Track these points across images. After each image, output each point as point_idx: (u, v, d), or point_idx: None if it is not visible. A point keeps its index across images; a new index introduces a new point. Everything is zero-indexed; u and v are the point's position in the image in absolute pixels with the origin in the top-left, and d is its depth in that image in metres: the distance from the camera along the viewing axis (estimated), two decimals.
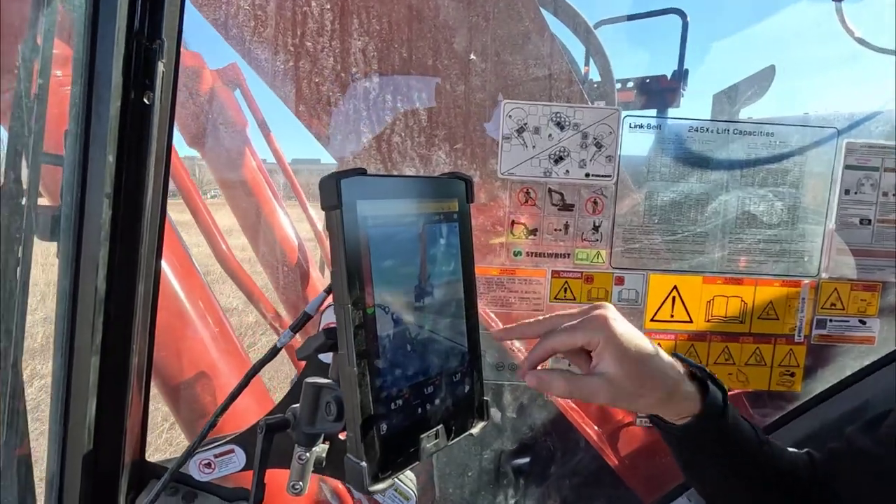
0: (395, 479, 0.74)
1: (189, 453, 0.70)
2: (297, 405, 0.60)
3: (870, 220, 0.90)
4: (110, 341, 0.76)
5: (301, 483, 0.61)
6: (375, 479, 0.50)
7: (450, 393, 0.55)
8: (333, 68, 0.82)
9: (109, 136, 0.71)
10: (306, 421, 0.58)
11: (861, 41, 0.97)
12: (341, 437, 0.66)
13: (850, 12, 0.95)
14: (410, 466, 0.56)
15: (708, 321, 0.92)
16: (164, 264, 1.02)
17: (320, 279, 1.97)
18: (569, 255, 0.89)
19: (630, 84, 2.87)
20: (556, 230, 0.88)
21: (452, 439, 0.55)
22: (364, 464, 0.46)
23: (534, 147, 0.85)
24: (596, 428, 1.17)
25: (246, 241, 1.93)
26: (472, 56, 0.83)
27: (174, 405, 1.03)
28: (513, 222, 0.87)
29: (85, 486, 0.77)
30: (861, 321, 0.92)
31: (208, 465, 0.84)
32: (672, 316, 0.92)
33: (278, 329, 1.56)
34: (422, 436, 0.51)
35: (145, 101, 0.75)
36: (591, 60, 1.87)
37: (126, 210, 0.75)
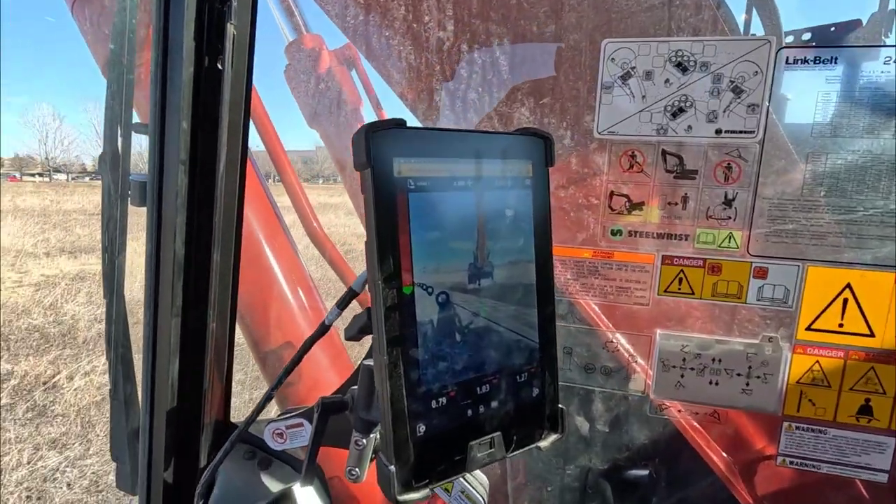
0: (462, 482, 0.66)
1: (249, 421, 0.71)
2: (357, 387, 0.57)
3: None
4: (189, 305, 0.79)
5: (357, 469, 0.57)
6: (407, 487, 0.43)
7: (512, 395, 0.47)
8: (405, 19, 0.73)
9: (183, 102, 0.72)
10: (363, 406, 0.54)
11: None
12: None
13: None
14: (455, 477, 0.48)
15: None
16: (259, 236, 1.06)
17: None
18: (687, 236, 0.69)
19: (807, 36, 2.32)
20: (670, 204, 0.68)
21: (512, 451, 0.46)
22: (393, 468, 0.40)
23: (644, 98, 0.67)
24: (725, 455, 0.94)
25: (358, 222, 1.98)
26: None
27: (265, 372, 1.07)
28: (612, 193, 0.70)
29: (169, 439, 0.81)
30: None
31: (280, 434, 0.83)
32: (841, 325, 0.66)
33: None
34: (472, 443, 0.43)
35: (218, 66, 0.74)
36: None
37: (201, 177, 0.76)
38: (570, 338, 0.75)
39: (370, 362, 0.53)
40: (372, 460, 0.58)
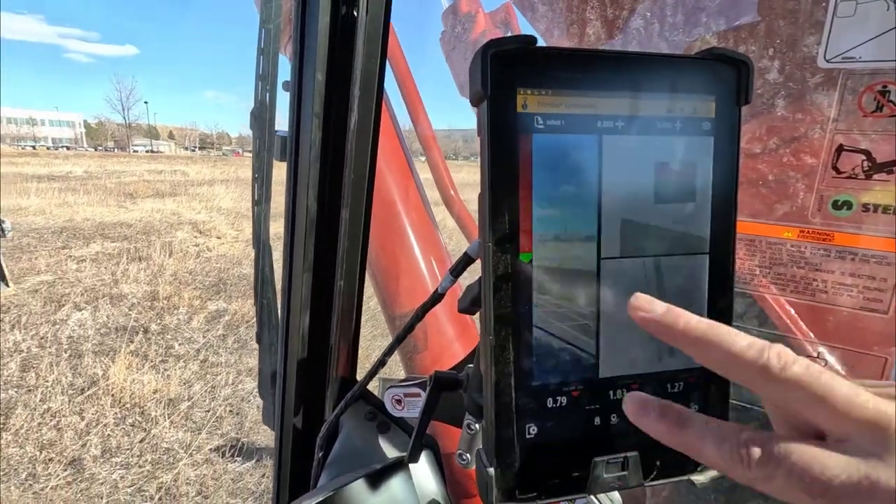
0: (591, 498, 0.57)
1: (365, 381, 0.73)
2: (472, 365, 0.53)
3: None
4: (319, 261, 0.80)
5: (469, 455, 0.54)
6: (510, 496, 0.34)
7: None
8: None
9: (319, 53, 0.71)
10: (476, 387, 0.51)
11: None
12: None
13: None
14: (573, 498, 0.39)
15: None
16: (396, 198, 1.05)
17: None
18: None
19: None
20: None
21: (654, 479, 0.36)
22: (492, 470, 0.33)
23: None
24: None
25: None
26: None
27: (393, 334, 1.06)
28: (841, 148, 0.48)
29: (299, 387, 0.85)
30: None
31: (399, 401, 0.83)
32: None
33: None
34: (596, 459, 0.35)
35: (355, 13, 0.71)
36: None
37: (335, 132, 0.75)
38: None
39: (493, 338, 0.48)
40: None
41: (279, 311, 0.83)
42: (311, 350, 0.84)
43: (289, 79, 0.81)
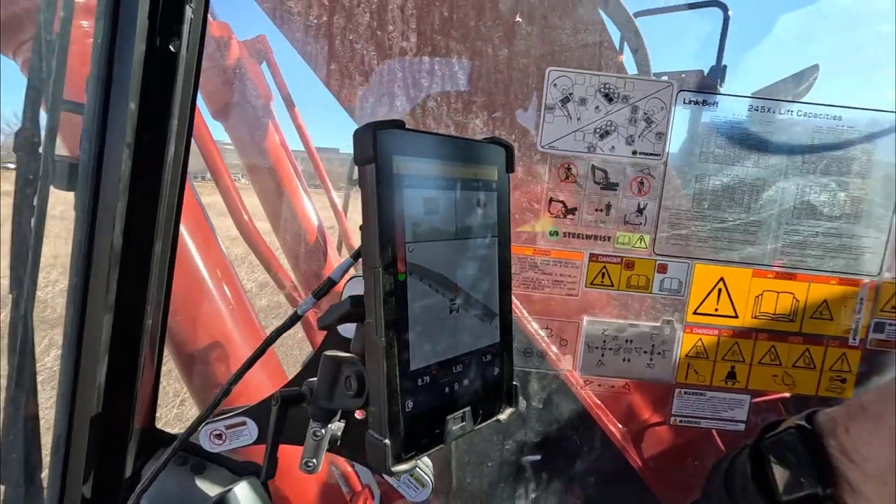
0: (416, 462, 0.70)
1: (201, 420, 0.68)
2: (314, 379, 0.57)
3: None
4: (124, 300, 0.73)
5: (314, 460, 0.58)
6: (398, 459, 0.46)
7: (479, 374, 0.52)
8: (369, 25, 0.77)
9: (132, 81, 0.68)
10: (324, 395, 0.55)
11: None
12: (358, 415, 0.64)
13: None
14: (434, 450, 0.52)
15: (755, 318, 0.86)
16: (182, 230, 1.00)
17: (338, 259, 1.93)
18: (609, 238, 0.82)
19: (665, 78, 2.77)
20: (597, 210, 0.82)
21: (479, 424, 0.51)
22: (388, 441, 0.43)
23: (578, 119, 0.79)
24: (620, 427, 1.11)
25: (265, 217, 1.90)
26: (518, 18, 0.78)
27: (187, 374, 1.00)
28: (551, 199, 0.81)
29: (92, 449, 0.74)
30: None
31: (219, 436, 0.80)
32: (716, 310, 0.85)
33: (297, 300, 1.53)
34: (448, 417, 0.48)
35: (171, 48, 0.71)
36: (628, 49, 1.79)
37: (147, 162, 0.72)
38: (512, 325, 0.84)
39: (334, 353, 0.54)
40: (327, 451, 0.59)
41: (62, 362, 0.71)
42: (108, 402, 0.75)
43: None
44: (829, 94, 0.82)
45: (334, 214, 1.96)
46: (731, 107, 0.80)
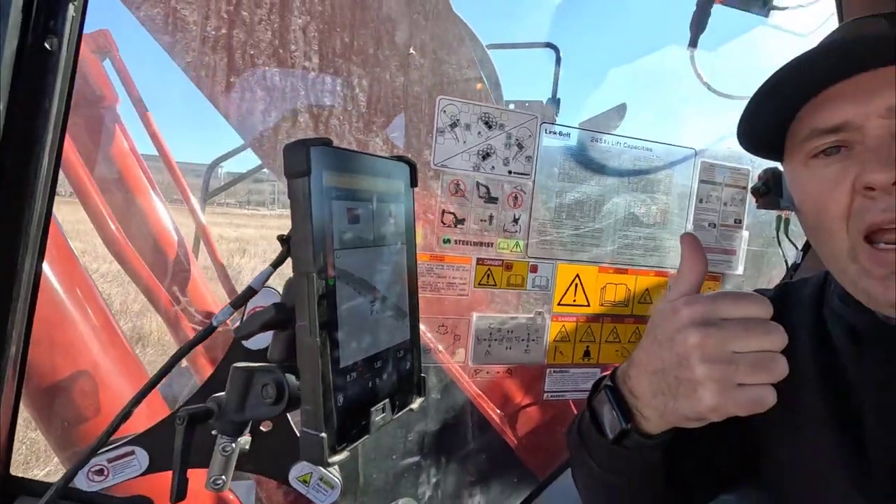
0: (320, 469, 0.73)
1: (87, 458, 0.61)
2: (220, 394, 0.57)
3: (714, 224, 1.14)
4: None
5: (224, 477, 0.58)
6: (333, 451, 0.50)
7: (395, 368, 0.57)
8: (271, 42, 0.80)
9: (1, 81, 0.62)
10: (234, 408, 0.55)
11: (707, 86, 1.23)
12: (263, 428, 0.66)
13: (701, 60, 1.20)
14: (361, 440, 0.57)
15: (601, 305, 1.07)
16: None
17: (203, 278, 1.80)
18: (492, 244, 0.96)
19: (511, 105, 3.15)
20: (481, 221, 0.95)
21: (396, 413, 0.56)
22: (324, 435, 0.46)
23: (464, 142, 0.92)
24: (499, 412, 1.27)
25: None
26: (412, 51, 0.88)
27: (42, 408, 0.87)
28: (443, 211, 0.92)
29: None
30: None
31: (100, 471, 0.75)
32: (574, 300, 1.05)
33: (178, 319, 1.39)
34: (372, 409, 0.52)
35: (47, 45, 0.66)
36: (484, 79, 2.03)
37: (15, 169, 0.65)
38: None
39: (244, 365, 0.56)
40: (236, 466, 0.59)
41: None
42: None
43: None
44: (643, 129, 1.09)
45: (197, 229, 1.82)
46: (580, 137, 1.01)
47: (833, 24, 1.01)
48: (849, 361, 0.58)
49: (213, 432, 0.58)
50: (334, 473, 0.79)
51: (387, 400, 0.54)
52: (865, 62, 0.48)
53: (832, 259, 0.54)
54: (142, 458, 0.72)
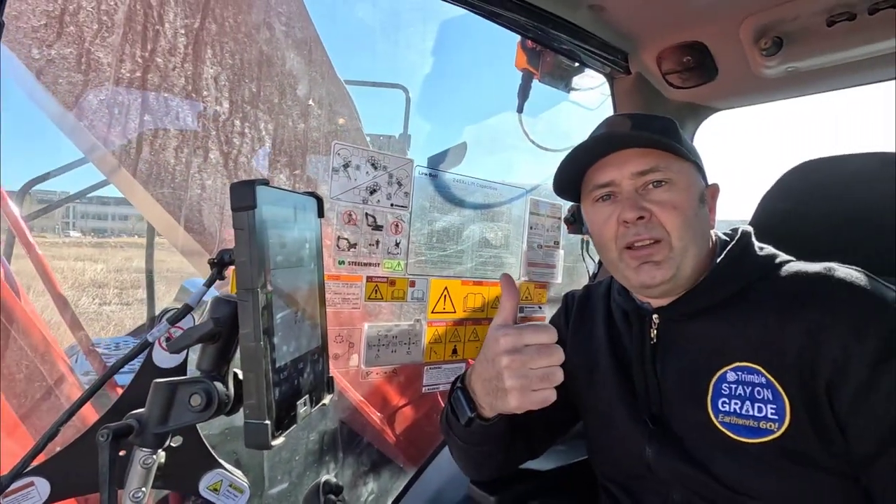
0: (228, 476, 0.81)
1: (8, 482, 0.63)
2: (139, 410, 0.60)
3: (541, 245, 1.50)
4: None
5: (144, 489, 0.59)
6: (273, 436, 0.61)
7: (312, 369, 0.66)
8: (184, 87, 0.89)
9: None
10: (157, 421, 0.59)
11: (533, 141, 1.61)
12: (173, 444, 0.70)
13: (527, 121, 1.58)
14: (291, 428, 0.69)
15: (465, 311, 1.34)
16: None
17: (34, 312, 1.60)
18: (379, 264, 1.15)
19: (368, 139, 3.37)
20: (370, 245, 1.13)
21: (314, 406, 0.69)
22: (268, 422, 0.54)
23: (355, 180, 1.10)
24: (379, 414, 1.44)
25: None
26: (311, 102, 1.04)
27: None
28: (338, 237, 1.09)
29: None
30: (539, 307, 1.51)
31: None
32: (444, 309, 1.29)
33: None
34: (297, 402, 0.61)
35: None
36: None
37: None
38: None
39: (166, 380, 0.62)
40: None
41: None
42: None
43: None
44: (489, 172, 1.40)
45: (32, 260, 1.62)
46: (445, 177, 1.27)
47: (609, 104, 1.46)
48: (624, 333, 0.91)
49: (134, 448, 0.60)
50: (241, 478, 0.86)
51: (307, 395, 0.66)
52: (617, 146, 0.81)
53: (610, 264, 0.86)
54: (42, 488, 0.72)
